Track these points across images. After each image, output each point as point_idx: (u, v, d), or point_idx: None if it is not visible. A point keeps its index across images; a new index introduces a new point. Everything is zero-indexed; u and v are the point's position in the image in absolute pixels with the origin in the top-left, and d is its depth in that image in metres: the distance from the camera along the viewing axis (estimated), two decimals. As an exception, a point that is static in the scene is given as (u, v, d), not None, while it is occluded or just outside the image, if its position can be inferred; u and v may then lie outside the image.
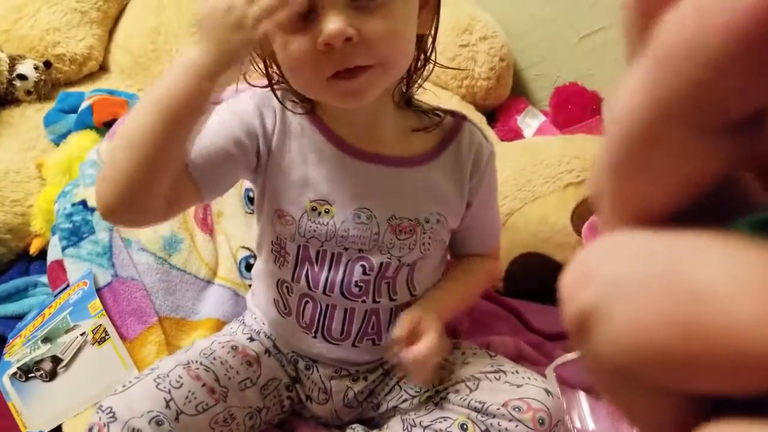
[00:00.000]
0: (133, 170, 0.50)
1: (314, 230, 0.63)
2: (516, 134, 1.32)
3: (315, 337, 0.68)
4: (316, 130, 0.63)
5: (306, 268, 0.65)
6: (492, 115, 1.39)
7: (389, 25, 0.54)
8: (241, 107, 0.62)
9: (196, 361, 0.66)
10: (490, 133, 1.25)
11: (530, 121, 1.33)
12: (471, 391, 0.65)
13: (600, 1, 1.33)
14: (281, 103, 0.64)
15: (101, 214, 0.54)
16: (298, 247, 0.65)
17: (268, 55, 0.61)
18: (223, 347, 0.70)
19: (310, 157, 0.63)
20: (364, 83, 0.55)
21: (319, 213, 0.63)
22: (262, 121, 0.62)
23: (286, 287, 0.69)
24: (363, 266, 0.64)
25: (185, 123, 0.51)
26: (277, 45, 0.56)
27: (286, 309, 0.69)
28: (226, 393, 0.66)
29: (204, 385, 0.64)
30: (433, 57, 0.65)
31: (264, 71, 0.63)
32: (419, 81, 0.66)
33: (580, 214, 0.95)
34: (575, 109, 1.23)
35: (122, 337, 0.84)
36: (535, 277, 0.96)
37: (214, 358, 0.68)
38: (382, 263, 0.64)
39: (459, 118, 0.69)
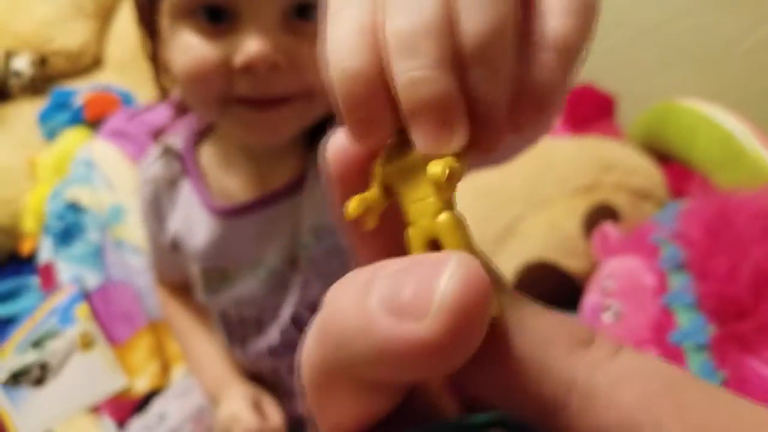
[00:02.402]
0: None
1: (219, 300, 0.58)
2: (524, 136, 1.30)
3: (285, 394, 0.64)
4: (193, 192, 0.55)
5: (237, 340, 0.61)
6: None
7: None
8: (144, 220, 0.61)
9: (205, 410, 0.65)
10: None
11: (539, 122, 1.32)
12: None
13: (615, 1, 1.31)
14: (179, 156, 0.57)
15: None
16: (221, 315, 0.60)
17: (158, 54, 0.52)
18: None
19: (193, 228, 0.56)
20: (283, 118, 0.46)
21: (217, 281, 0.57)
22: (162, 219, 0.59)
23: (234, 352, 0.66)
24: (278, 326, 0.58)
25: None
26: (176, 47, 0.46)
27: (246, 372, 0.66)
28: None
29: None
30: None
31: (156, 80, 0.54)
32: None
33: (592, 221, 0.92)
34: (587, 110, 1.21)
35: (112, 341, 0.83)
36: (544, 285, 0.94)
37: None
38: (293, 316, 0.57)
39: None
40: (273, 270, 0.55)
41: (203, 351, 0.63)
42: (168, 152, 0.57)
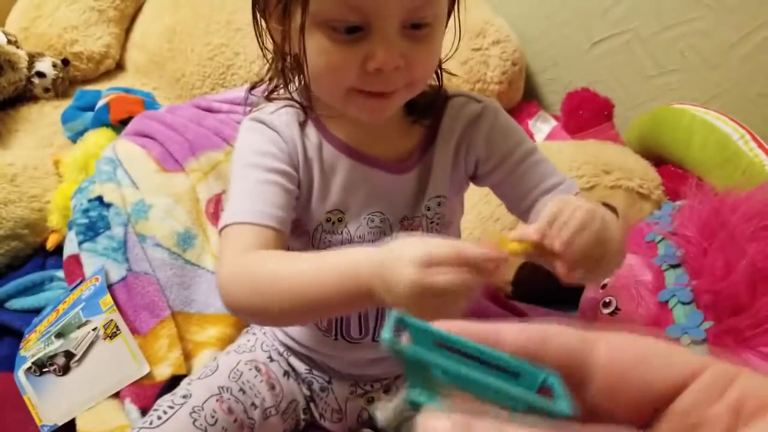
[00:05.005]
0: (278, 312, 0.54)
1: (329, 240, 0.62)
2: (527, 138, 1.31)
3: (336, 339, 0.68)
4: (322, 138, 0.62)
5: None
6: (504, 119, 1.38)
7: (431, 52, 0.56)
8: (274, 158, 0.61)
9: (227, 389, 0.68)
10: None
11: (542, 126, 1.33)
12: None
13: (612, 8, 1.33)
14: (307, 111, 0.63)
15: (227, 306, 0.58)
16: None
17: (284, 50, 0.60)
18: (249, 369, 0.71)
19: (324, 167, 0.62)
20: (392, 103, 0.57)
21: (333, 222, 0.62)
22: (294, 164, 0.61)
23: None
24: None
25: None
26: (311, 47, 0.55)
27: (328, 325, 0.69)
28: (253, 425, 0.68)
29: (235, 420, 0.66)
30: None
31: (274, 66, 0.63)
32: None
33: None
34: (587, 114, 1.22)
35: (135, 331, 0.85)
36: (544, 282, 0.95)
37: (243, 383, 0.69)
38: None
39: (441, 102, 0.65)
40: (385, 221, 0.62)
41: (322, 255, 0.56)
42: (289, 105, 0.63)
